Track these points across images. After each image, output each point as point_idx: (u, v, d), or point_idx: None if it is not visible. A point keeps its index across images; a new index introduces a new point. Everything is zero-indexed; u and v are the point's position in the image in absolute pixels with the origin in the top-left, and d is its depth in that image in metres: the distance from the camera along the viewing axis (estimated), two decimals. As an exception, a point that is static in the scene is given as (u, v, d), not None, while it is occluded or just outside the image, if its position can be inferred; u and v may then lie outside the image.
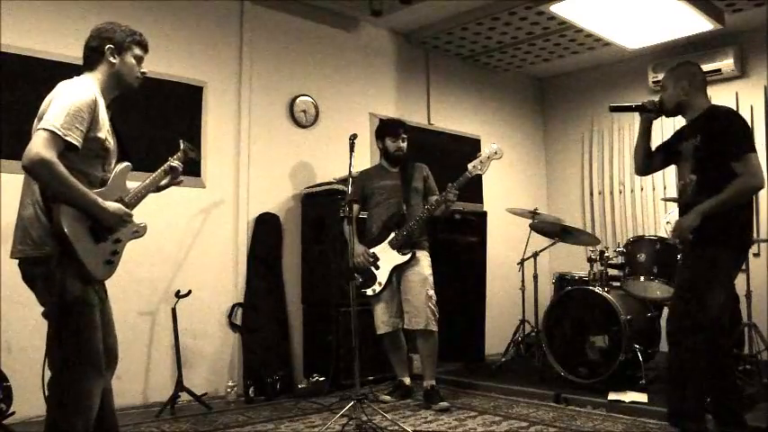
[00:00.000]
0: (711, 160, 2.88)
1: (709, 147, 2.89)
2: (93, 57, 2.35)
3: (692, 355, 2.84)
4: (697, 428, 2.85)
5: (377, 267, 4.02)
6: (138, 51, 2.41)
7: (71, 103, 2.14)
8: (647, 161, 3.25)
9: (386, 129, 4.24)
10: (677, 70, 3.12)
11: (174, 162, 2.67)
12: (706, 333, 2.82)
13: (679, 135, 3.17)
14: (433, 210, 3.93)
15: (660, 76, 5.76)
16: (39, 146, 2.05)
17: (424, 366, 4.07)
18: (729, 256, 2.88)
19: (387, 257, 4.00)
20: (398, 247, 3.98)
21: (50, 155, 2.05)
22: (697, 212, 2.83)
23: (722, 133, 2.87)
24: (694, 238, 2.85)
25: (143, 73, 2.46)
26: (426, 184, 4.17)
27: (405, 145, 4.18)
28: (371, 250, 4.03)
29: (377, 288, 4.00)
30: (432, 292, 4.00)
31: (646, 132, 3.21)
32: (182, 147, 2.74)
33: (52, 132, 2.08)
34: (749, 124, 2.86)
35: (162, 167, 2.63)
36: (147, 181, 2.54)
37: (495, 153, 3.82)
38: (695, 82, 3.07)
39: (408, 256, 3.96)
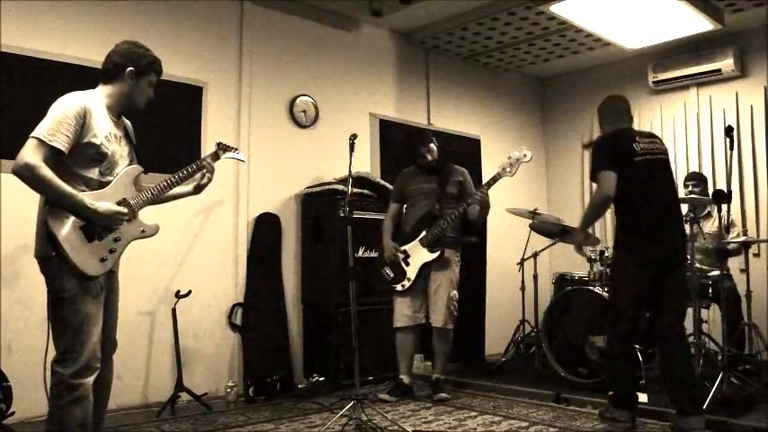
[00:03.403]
0: None
1: None
2: (112, 72, 2.51)
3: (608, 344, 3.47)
4: (619, 415, 3.29)
5: (407, 264, 4.13)
6: (154, 78, 2.59)
7: (58, 113, 2.32)
8: None
9: (409, 149, 4.37)
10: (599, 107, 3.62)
11: (205, 160, 2.74)
12: (613, 325, 3.33)
13: None
14: (464, 210, 4.03)
15: (660, 76, 5.81)
16: (24, 152, 2.25)
17: (435, 360, 4.26)
18: (624, 256, 3.32)
19: (417, 255, 4.13)
20: (429, 245, 4.09)
21: (34, 160, 2.24)
22: (579, 224, 3.52)
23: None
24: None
25: (152, 96, 2.61)
26: (462, 188, 4.25)
27: (433, 154, 4.28)
28: (403, 247, 4.16)
29: (406, 284, 4.14)
30: (454, 293, 4.13)
31: None
32: (215, 149, 2.85)
33: (38, 139, 2.26)
34: (611, 145, 3.33)
35: (173, 174, 2.68)
36: (159, 185, 2.60)
37: (525, 156, 3.98)
38: (603, 114, 3.54)
39: (437, 253, 4.08)
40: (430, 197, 4.20)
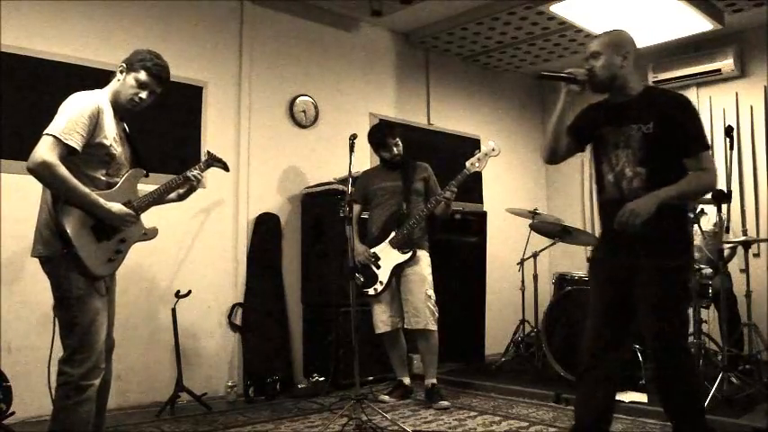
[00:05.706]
0: (667, 152, 2.44)
1: (667, 136, 2.44)
2: (115, 73, 2.55)
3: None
4: None
5: (378, 267, 4.03)
6: (142, 76, 2.48)
7: (73, 111, 2.33)
8: (560, 146, 2.76)
9: (375, 140, 4.24)
10: (615, 37, 2.59)
11: (191, 172, 2.75)
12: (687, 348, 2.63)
13: (596, 116, 2.74)
14: (432, 208, 3.94)
15: (660, 76, 5.79)
16: (41, 149, 2.24)
17: (425, 365, 4.10)
18: (690, 267, 2.75)
19: (388, 257, 4.01)
20: (399, 246, 3.98)
21: (52, 158, 2.22)
22: (655, 198, 2.34)
23: (684, 124, 2.44)
24: (654, 249, 2.42)
25: (141, 98, 2.52)
26: (427, 185, 4.16)
27: (399, 148, 4.17)
28: (372, 250, 4.04)
29: (378, 288, 4.01)
30: (431, 292, 4.01)
31: (566, 110, 2.75)
32: (204, 158, 2.89)
33: (54, 137, 2.26)
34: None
35: (176, 176, 2.73)
36: (160, 187, 2.64)
37: (493, 150, 3.84)
38: (633, 56, 2.57)
39: (409, 254, 3.97)
40: (396, 196, 4.08)
